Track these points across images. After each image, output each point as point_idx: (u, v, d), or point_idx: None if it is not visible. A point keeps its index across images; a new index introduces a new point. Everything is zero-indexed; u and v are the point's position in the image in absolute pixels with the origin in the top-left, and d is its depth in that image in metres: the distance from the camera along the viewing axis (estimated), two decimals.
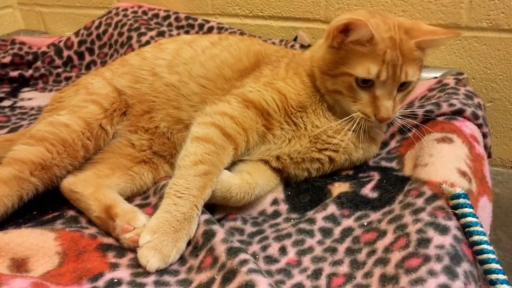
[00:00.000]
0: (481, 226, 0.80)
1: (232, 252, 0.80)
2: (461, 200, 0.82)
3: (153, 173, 1.15)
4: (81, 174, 1.08)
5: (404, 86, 1.02)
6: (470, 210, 0.81)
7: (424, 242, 0.76)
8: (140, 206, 1.07)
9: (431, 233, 0.77)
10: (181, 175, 0.93)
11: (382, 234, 0.85)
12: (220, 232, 0.85)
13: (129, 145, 1.17)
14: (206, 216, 0.92)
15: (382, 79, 0.97)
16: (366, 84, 0.99)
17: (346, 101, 1.03)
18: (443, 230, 0.78)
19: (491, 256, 0.76)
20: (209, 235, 0.86)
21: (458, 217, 0.82)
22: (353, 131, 1.03)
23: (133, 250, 0.88)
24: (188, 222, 0.88)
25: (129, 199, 1.11)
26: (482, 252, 0.77)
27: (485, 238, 0.78)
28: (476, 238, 0.78)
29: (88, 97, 1.17)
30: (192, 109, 1.14)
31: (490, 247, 0.77)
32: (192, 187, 0.91)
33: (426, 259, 0.73)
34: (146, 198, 1.12)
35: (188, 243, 0.89)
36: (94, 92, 1.18)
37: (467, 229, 0.80)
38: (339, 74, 1.00)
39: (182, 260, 0.87)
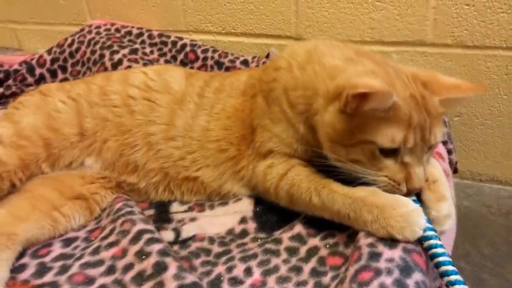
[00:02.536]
0: (439, 239, 0.81)
1: None
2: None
3: (85, 217, 1.10)
4: None
5: (431, 148, 0.88)
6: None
7: (375, 255, 0.78)
8: (90, 231, 1.06)
9: (381, 247, 0.79)
10: (329, 207, 0.89)
11: (347, 259, 0.86)
12: (172, 267, 0.83)
13: (76, 175, 1.13)
14: (160, 245, 0.90)
15: (409, 146, 0.82)
16: (392, 151, 0.84)
17: (367, 169, 0.86)
18: (392, 245, 0.79)
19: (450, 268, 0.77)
20: (160, 267, 0.84)
21: None
22: None
23: None
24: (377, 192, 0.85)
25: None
26: (442, 264, 0.78)
27: (444, 250, 0.80)
28: (438, 251, 0.79)
29: (43, 131, 1.11)
30: (214, 172, 1.12)
31: (448, 258, 0.79)
32: (344, 194, 0.87)
33: (377, 272, 0.74)
34: (99, 221, 1.10)
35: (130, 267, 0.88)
36: (55, 127, 1.12)
37: (426, 243, 0.81)
38: (358, 143, 0.84)
39: (122, 287, 0.85)
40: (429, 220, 0.84)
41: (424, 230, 0.81)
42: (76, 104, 1.17)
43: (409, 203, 0.82)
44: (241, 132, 1.11)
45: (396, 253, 0.77)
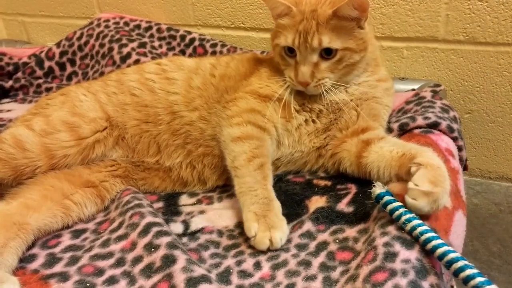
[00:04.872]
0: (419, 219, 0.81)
1: (192, 283, 0.78)
2: (387, 198, 0.86)
3: (97, 205, 1.11)
4: (6, 204, 1.02)
5: (331, 55, 1.06)
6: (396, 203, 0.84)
7: (390, 256, 0.76)
8: (99, 223, 1.07)
9: (397, 247, 0.78)
10: (243, 174, 1.01)
11: (357, 254, 0.85)
12: (181, 259, 0.83)
13: (83, 167, 1.15)
14: (169, 238, 0.90)
15: (296, 45, 1.07)
16: (292, 53, 1.09)
17: (283, 68, 1.14)
18: (410, 244, 0.78)
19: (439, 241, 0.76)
20: (169, 260, 0.84)
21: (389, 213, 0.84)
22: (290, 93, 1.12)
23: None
24: (273, 201, 0.98)
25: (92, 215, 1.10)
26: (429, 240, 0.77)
27: (426, 227, 0.79)
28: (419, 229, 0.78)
29: (68, 118, 1.14)
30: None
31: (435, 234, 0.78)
32: (259, 179, 1.00)
33: (392, 273, 0.73)
34: (108, 213, 1.11)
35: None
36: (79, 112, 1.16)
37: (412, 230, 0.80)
38: (274, 46, 1.14)
39: (131, 279, 0.86)
40: (406, 191, 0.84)
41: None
42: (95, 96, 1.21)
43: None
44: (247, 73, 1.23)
45: (413, 254, 0.76)
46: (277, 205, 0.97)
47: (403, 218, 0.81)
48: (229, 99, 1.15)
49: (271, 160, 1.09)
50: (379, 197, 0.87)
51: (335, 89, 1.10)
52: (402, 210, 0.82)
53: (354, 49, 1.07)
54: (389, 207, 0.84)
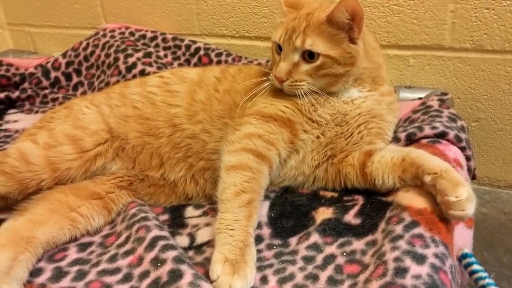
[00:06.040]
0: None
1: None
2: (469, 259, 0.91)
3: (104, 216, 1.10)
4: (13, 220, 1.02)
5: (313, 59, 1.05)
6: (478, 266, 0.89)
7: (401, 271, 0.76)
8: (105, 236, 1.06)
9: (408, 262, 0.77)
10: (227, 209, 0.94)
11: (365, 267, 0.84)
12: (188, 274, 0.82)
13: (88, 181, 1.15)
14: (175, 252, 0.89)
15: (281, 41, 1.08)
16: (281, 51, 1.10)
17: (272, 67, 1.14)
18: (420, 259, 0.77)
19: None
20: (176, 275, 0.83)
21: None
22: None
23: None
24: (248, 247, 0.89)
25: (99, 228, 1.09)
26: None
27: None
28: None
29: (70, 131, 1.15)
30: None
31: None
32: (241, 218, 0.92)
33: None
34: (114, 226, 1.10)
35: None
36: (81, 125, 1.17)
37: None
38: (272, 43, 1.14)
39: None
40: (449, 206, 0.87)
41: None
42: (98, 108, 1.22)
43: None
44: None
45: (424, 270, 0.75)
46: (251, 252, 0.89)
47: (485, 281, 0.86)
48: (238, 123, 1.11)
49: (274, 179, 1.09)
50: (464, 255, 0.91)
51: (315, 93, 1.08)
52: (482, 274, 0.88)
53: (338, 60, 1.05)
54: (470, 268, 0.89)
